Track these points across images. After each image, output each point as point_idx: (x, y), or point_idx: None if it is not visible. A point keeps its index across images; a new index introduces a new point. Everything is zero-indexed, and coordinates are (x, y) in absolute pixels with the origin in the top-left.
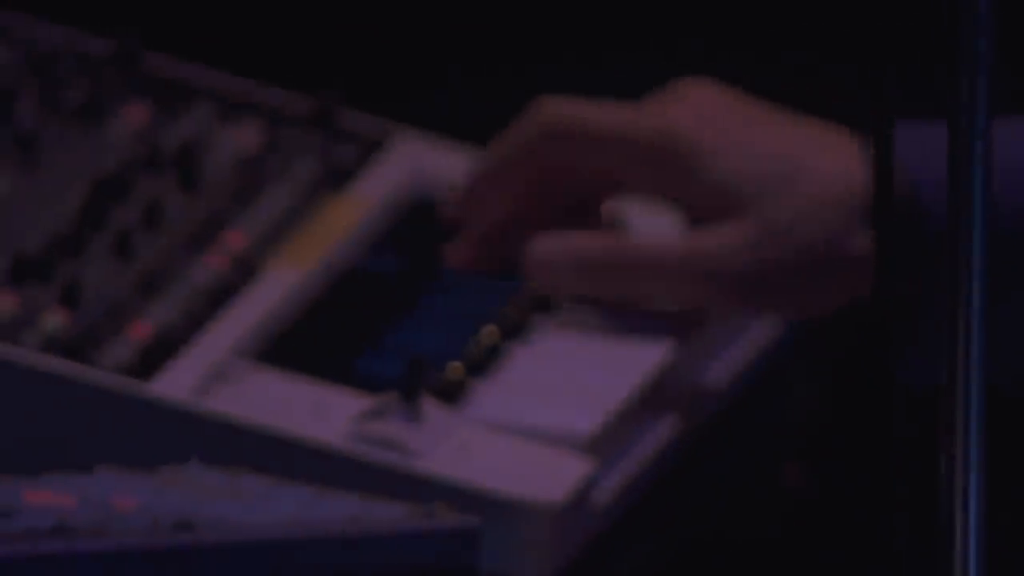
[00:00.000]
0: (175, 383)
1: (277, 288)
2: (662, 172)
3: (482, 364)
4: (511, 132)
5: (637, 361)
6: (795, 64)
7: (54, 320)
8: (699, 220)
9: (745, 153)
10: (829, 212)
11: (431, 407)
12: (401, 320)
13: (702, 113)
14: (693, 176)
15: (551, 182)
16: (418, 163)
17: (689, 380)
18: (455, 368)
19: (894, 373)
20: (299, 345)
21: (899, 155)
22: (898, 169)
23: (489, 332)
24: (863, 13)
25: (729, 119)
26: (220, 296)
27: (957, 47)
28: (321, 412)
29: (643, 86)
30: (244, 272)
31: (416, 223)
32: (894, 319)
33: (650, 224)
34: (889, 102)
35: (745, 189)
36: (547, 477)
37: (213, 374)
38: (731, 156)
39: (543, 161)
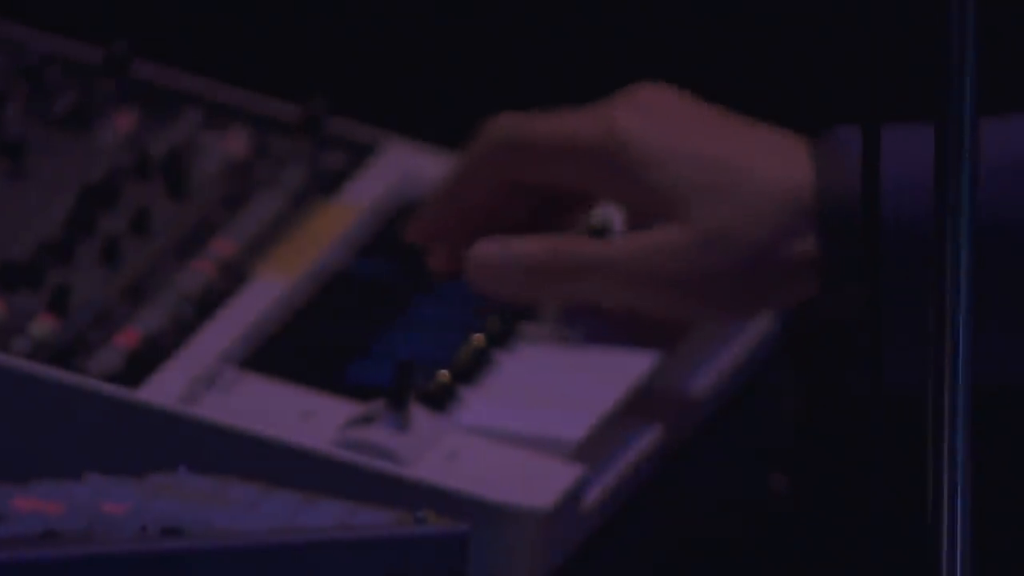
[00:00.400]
0: (163, 390)
1: (265, 295)
2: (608, 176)
3: (470, 371)
4: (466, 151)
5: (624, 368)
6: (779, 60)
7: (42, 327)
8: (643, 224)
9: (690, 157)
10: (772, 216)
11: (419, 414)
12: (389, 327)
13: (649, 117)
14: (637, 180)
15: (511, 194)
16: (407, 169)
17: (675, 387)
18: (443, 375)
19: (880, 375)
20: (287, 352)
21: (853, 155)
22: (847, 171)
23: (477, 339)
24: (851, 16)
25: (676, 123)
26: (208, 303)
27: (944, 49)
28: (309, 418)
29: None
30: (232, 279)
31: (405, 230)
32: (873, 321)
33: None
34: (877, 105)
35: (688, 193)
36: (535, 483)
37: (201, 381)
38: (676, 160)
39: (498, 176)
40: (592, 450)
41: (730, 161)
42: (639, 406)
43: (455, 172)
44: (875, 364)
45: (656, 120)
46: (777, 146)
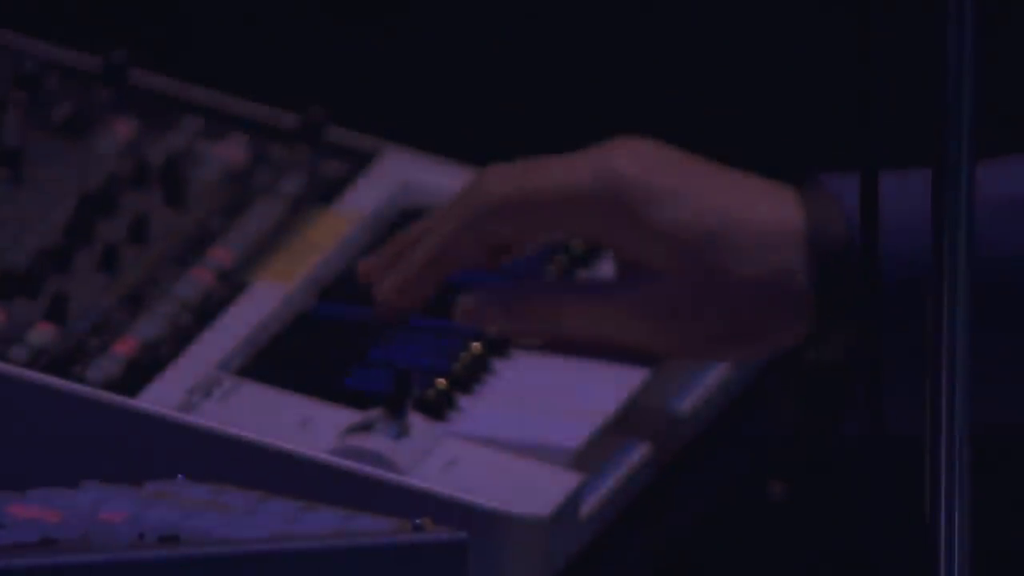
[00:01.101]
0: (162, 398)
1: (264, 303)
2: (610, 220)
3: (468, 380)
4: (456, 216)
5: (621, 377)
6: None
7: (41, 335)
8: (641, 267)
9: (689, 198)
10: (770, 254)
11: (418, 422)
12: (388, 336)
13: (645, 162)
14: (641, 220)
15: (502, 247)
16: (406, 177)
17: (673, 396)
18: (441, 383)
19: (879, 391)
20: (286, 360)
21: (841, 201)
22: (838, 217)
23: (475, 348)
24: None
25: (670, 168)
26: (207, 311)
27: (942, 94)
28: (308, 426)
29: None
30: (231, 287)
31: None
32: (861, 365)
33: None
34: (874, 150)
35: (690, 233)
36: (533, 491)
37: (200, 389)
38: (677, 201)
39: (495, 239)
40: (590, 458)
41: (726, 203)
42: (637, 415)
43: (445, 236)
44: (874, 380)
45: (652, 165)
46: (766, 191)
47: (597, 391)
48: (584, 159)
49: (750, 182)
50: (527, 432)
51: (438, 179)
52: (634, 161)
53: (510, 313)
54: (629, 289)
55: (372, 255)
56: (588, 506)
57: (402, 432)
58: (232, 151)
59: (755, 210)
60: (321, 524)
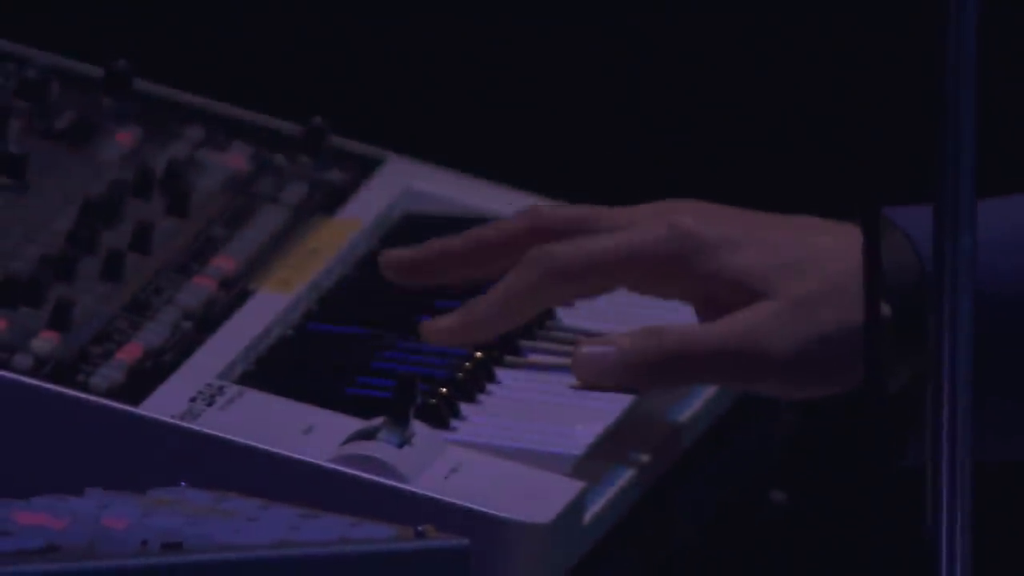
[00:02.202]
0: (165, 405)
1: (267, 311)
2: (680, 272)
3: (471, 387)
4: (514, 280)
5: None
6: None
7: (44, 343)
8: (717, 312)
9: (757, 241)
10: (849, 283)
11: (420, 429)
12: (390, 344)
13: (701, 215)
14: (714, 268)
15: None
16: (407, 186)
17: (674, 403)
18: (444, 391)
19: (883, 390)
20: (289, 368)
21: (908, 233)
22: (906, 248)
23: (477, 356)
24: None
25: (733, 220)
26: (210, 319)
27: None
28: (310, 433)
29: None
30: (234, 295)
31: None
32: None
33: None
34: (877, 188)
35: (768, 270)
36: (536, 498)
37: (202, 397)
38: (746, 244)
39: (552, 300)
40: (592, 465)
41: (795, 241)
42: (639, 422)
43: (503, 297)
44: (876, 376)
45: (708, 216)
46: (827, 227)
47: (599, 398)
48: (646, 220)
49: (811, 221)
50: (529, 440)
51: (440, 188)
52: (697, 216)
53: (633, 374)
54: (733, 334)
55: (396, 250)
56: (590, 513)
57: (405, 440)
58: (235, 160)
59: (824, 243)
60: (324, 531)
